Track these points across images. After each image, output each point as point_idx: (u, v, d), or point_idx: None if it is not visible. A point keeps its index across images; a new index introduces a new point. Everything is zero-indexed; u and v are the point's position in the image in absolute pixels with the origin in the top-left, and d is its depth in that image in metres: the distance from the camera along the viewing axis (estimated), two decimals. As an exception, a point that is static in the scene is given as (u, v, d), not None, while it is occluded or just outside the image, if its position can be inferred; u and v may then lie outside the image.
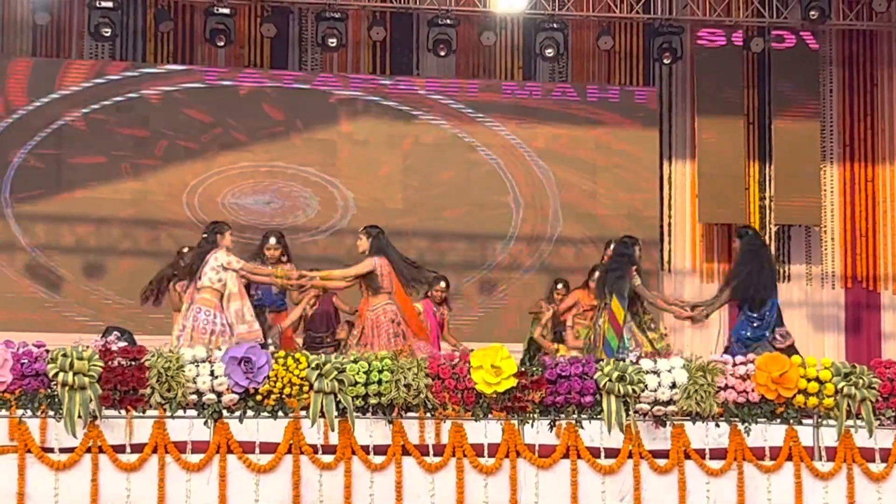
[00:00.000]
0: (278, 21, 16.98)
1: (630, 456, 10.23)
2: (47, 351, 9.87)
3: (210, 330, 11.13)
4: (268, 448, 9.90)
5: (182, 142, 16.98)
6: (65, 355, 9.75)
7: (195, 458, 9.81)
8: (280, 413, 9.98)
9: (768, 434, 10.45)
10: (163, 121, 16.95)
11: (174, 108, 16.95)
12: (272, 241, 12.55)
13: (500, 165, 17.48)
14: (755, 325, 12.09)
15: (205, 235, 11.73)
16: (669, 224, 17.69)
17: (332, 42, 16.66)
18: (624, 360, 10.61)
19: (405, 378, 10.03)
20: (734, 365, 10.53)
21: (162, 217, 16.75)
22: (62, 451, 9.72)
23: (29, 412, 9.75)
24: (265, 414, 9.97)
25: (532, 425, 10.23)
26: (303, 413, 9.97)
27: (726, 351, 11.97)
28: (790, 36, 17.29)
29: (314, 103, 17.25)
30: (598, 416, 10.25)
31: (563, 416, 10.25)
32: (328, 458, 9.94)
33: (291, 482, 9.87)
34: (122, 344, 10.17)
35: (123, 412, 9.83)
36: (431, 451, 10.08)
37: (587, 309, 13.21)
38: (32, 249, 16.50)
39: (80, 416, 9.66)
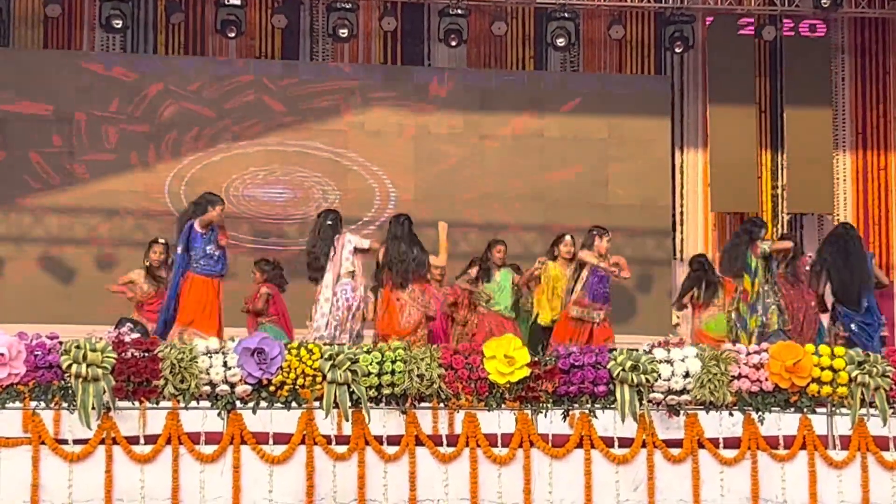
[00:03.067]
0: (289, 12, 16.99)
1: (644, 445, 10.21)
2: (60, 343, 9.88)
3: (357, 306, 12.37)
4: (281, 439, 9.90)
5: (194, 134, 17.00)
6: (78, 347, 9.75)
7: (209, 450, 9.82)
8: (293, 404, 9.98)
9: (782, 423, 10.43)
10: (174, 114, 16.97)
11: (185, 102, 16.98)
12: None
13: (511, 155, 17.47)
14: (859, 320, 12.53)
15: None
16: (682, 213, 17.68)
17: (344, 32, 16.68)
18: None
19: (418, 368, 10.03)
20: (747, 354, 10.53)
21: (174, 208, 16.77)
22: (76, 442, 9.73)
23: (43, 404, 9.76)
24: (278, 405, 9.97)
25: (545, 415, 10.22)
26: (316, 404, 9.97)
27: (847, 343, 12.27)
28: (802, 24, 17.26)
29: (325, 94, 17.26)
30: (612, 406, 10.24)
31: (576, 405, 10.24)
32: (342, 449, 9.94)
33: (305, 473, 9.88)
34: (135, 335, 10.18)
35: (137, 403, 9.84)
36: (445, 442, 10.08)
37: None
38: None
39: (93, 408, 9.66)
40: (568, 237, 13.96)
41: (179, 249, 12.37)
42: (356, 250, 12.55)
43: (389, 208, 16.91)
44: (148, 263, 13.56)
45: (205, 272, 12.29)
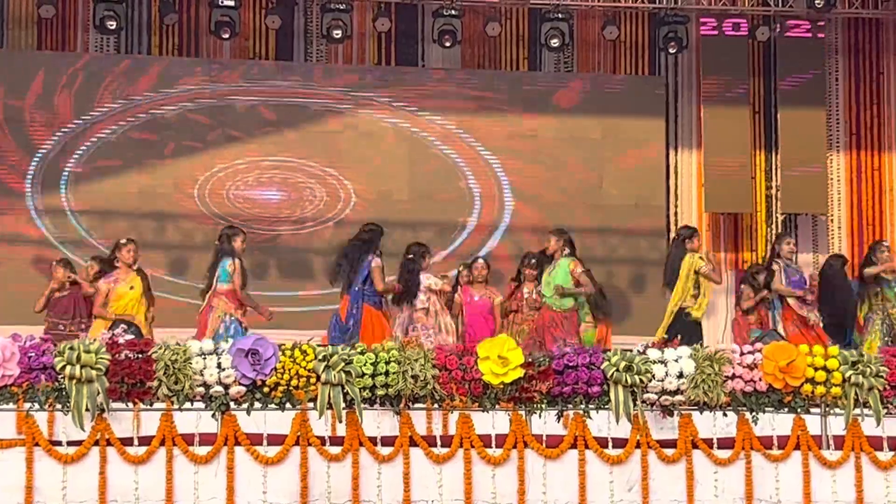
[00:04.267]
0: (283, 13, 16.99)
1: (638, 446, 10.20)
2: (54, 344, 9.87)
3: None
4: (275, 440, 9.89)
5: (187, 135, 17.01)
6: (72, 348, 9.74)
7: (203, 451, 9.81)
8: (287, 405, 9.97)
9: (776, 423, 10.43)
10: (167, 115, 16.98)
11: (179, 103, 16.99)
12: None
13: (505, 156, 17.48)
14: None
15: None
16: (676, 214, 17.68)
17: (338, 33, 16.67)
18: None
19: (412, 369, 10.03)
20: (741, 354, 10.53)
21: (168, 210, 16.77)
22: (70, 444, 9.72)
23: (36, 405, 9.75)
24: (273, 406, 9.96)
25: (540, 416, 10.21)
26: (310, 405, 9.96)
27: None
28: (796, 24, 17.28)
29: (319, 95, 17.26)
30: (606, 407, 10.23)
31: (570, 406, 10.24)
32: (336, 450, 9.93)
33: (299, 474, 9.87)
34: (129, 337, 10.17)
35: (131, 405, 9.83)
36: (439, 443, 10.07)
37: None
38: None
39: (87, 409, 9.65)
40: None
41: (357, 286, 13.18)
42: (429, 290, 13.20)
43: (386, 208, 16.90)
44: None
45: (374, 303, 13.16)
